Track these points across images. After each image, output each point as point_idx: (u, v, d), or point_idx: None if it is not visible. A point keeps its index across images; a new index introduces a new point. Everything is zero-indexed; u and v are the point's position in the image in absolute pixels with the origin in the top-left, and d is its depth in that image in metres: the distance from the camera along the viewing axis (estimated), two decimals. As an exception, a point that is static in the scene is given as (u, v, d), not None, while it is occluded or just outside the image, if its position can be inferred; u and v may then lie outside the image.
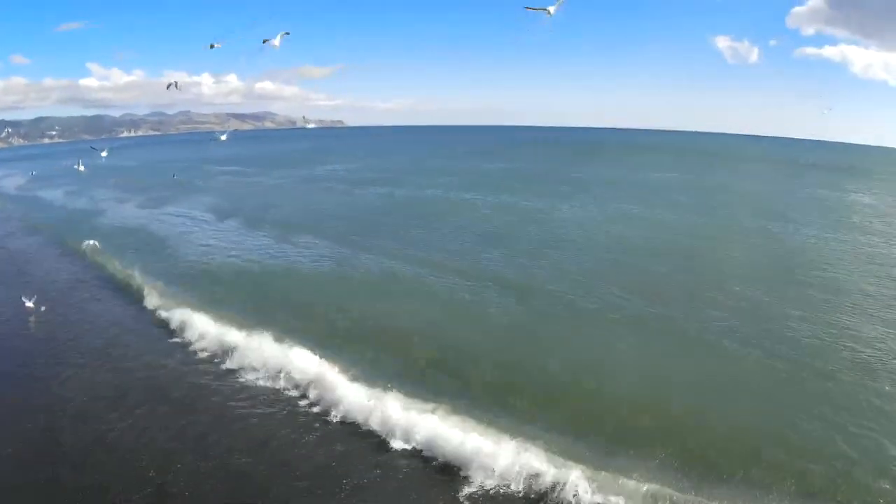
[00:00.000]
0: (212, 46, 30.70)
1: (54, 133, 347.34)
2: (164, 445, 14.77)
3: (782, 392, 16.91)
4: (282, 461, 14.10)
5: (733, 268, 29.24)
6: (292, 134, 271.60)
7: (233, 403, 17.10)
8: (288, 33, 18.92)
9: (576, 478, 12.76)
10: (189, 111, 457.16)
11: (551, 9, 20.05)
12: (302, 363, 18.48)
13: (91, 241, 35.54)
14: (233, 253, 34.53)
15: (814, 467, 13.21)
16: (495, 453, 13.62)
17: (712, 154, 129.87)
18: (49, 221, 47.20)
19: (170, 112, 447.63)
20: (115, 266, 32.03)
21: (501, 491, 12.93)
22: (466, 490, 12.99)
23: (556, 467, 13.18)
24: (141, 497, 12.79)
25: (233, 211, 47.44)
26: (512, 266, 29.55)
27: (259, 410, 16.63)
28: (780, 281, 27.20)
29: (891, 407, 15.87)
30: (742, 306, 23.63)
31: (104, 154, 72.39)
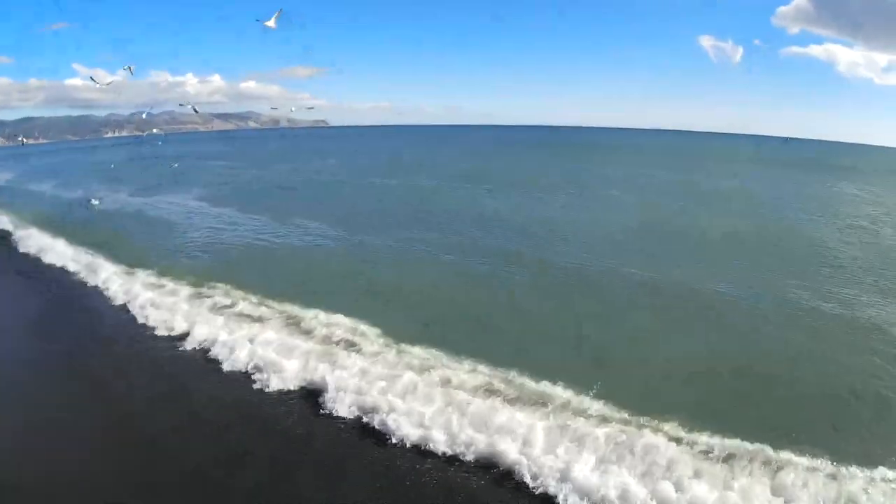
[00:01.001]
0: (128, 68, 31.34)
1: (37, 133, 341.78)
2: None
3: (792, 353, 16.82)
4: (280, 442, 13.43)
5: (724, 245, 30.17)
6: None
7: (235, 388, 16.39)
8: (282, 10, 18.22)
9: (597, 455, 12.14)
10: (173, 111, 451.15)
11: None
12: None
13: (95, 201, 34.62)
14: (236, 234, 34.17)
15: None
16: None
17: (697, 152, 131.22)
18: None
19: (153, 112, 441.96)
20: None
21: (515, 478, 12.01)
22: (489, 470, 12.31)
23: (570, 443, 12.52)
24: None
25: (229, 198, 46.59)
26: (512, 245, 29.09)
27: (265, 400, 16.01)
28: (770, 257, 27.77)
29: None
30: (739, 278, 24.19)
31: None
